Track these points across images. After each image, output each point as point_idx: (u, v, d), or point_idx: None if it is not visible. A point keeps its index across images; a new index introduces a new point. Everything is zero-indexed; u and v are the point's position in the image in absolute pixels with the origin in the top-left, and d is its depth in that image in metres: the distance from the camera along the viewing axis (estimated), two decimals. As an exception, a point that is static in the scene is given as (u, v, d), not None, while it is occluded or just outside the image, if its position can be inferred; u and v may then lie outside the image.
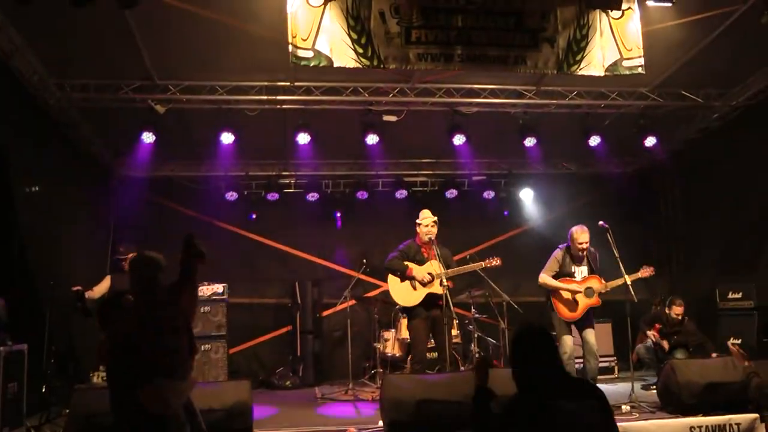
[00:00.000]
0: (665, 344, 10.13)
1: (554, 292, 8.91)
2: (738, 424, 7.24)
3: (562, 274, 8.92)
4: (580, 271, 8.95)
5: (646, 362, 10.25)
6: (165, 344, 4.65)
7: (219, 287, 11.06)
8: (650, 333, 10.22)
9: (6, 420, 6.92)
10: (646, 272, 8.93)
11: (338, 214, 13.56)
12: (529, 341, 3.97)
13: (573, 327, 8.92)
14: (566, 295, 8.83)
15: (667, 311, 10.27)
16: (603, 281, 8.83)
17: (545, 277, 8.95)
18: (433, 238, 8.75)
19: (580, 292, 8.77)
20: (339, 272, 13.40)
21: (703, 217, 12.25)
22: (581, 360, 9.02)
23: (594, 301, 8.78)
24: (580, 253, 8.90)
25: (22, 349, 7.50)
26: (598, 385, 8.94)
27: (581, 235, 8.83)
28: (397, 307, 10.71)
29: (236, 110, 10.09)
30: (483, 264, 9.10)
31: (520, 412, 3.71)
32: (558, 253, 9.04)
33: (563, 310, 8.85)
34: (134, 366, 4.52)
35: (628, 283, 8.52)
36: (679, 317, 10.18)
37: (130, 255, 9.23)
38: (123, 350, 4.58)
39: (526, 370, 3.91)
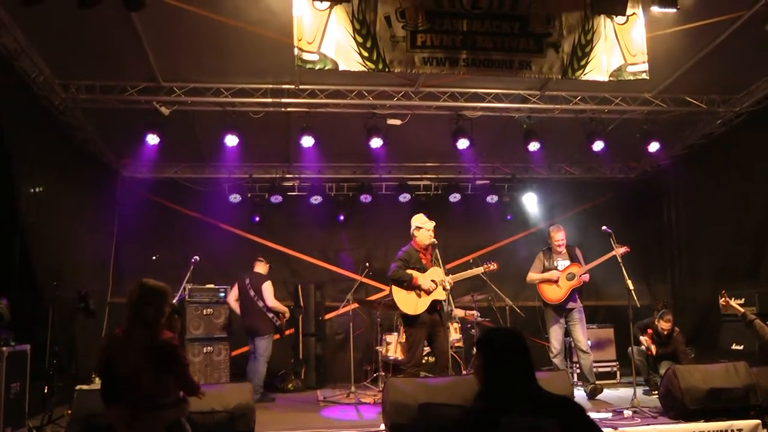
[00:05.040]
0: (653, 349, 10.35)
1: (540, 282, 9.96)
2: (740, 430, 7.25)
3: (547, 269, 9.97)
4: (563, 265, 9.96)
5: (637, 365, 10.30)
6: (139, 375, 4.76)
7: (221, 289, 11.06)
8: (643, 338, 10.40)
9: (8, 420, 6.92)
10: (620, 250, 9.28)
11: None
12: (500, 345, 3.55)
13: (564, 325, 9.93)
14: (549, 281, 9.85)
15: (656, 323, 10.43)
16: (581, 266, 9.74)
17: (531, 274, 10.14)
18: (435, 241, 8.82)
19: (561, 276, 9.78)
20: (342, 275, 13.40)
21: (706, 223, 12.23)
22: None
23: (576, 282, 9.72)
24: (558, 249, 10.01)
25: (25, 349, 7.51)
26: (604, 388, 9.19)
27: (557, 233, 10.03)
28: (400, 311, 10.75)
29: (241, 113, 10.11)
30: (481, 269, 9.30)
31: (471, 423, 3.38)
32: (540, 254, 10.23)
33: (549, 294, 9.89)
34: (111, 384, 4.82)
35: (631, 288, 8.64)
36: (666, 332, 10.32)
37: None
38: (107, 366, 4.83)
39: (490, 377, 3.48)
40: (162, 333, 4.95)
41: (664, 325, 10.28)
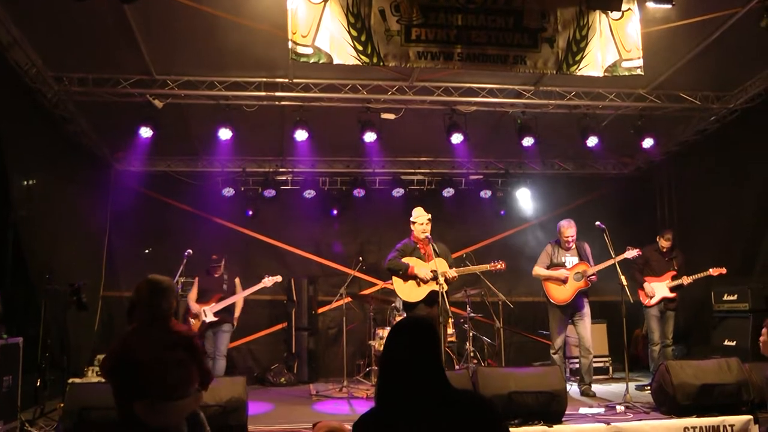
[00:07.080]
0: (683, 280, 10.20)
1: (546, 279, 9.75)
2: (732, 426, 7.29)
3: (554, 264, 9.81)
4: (570, 261, 9.79)
5: (651, 354, 10.33)
6: (164, 367, 4.74)
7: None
8: (667, 285, 10.23)
9: (0, 413, 6.91)
10: (631, 252, 9.47)
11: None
12: (400, 338, 3.06)
13: (567, 321, 9.75)
14: (557, 280, 9.62)
15: (658, 241, 10.46)
16: (590, 265, 9.56)
17: (537, 269, 9.89)
18: (428, 236, 8.78)
19: (569, 276, 9.59)
20: (335, 269, 13.38)
21: (699, 219, 12.25)
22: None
23: (583, 284, 9.55)
24: (567, 245, 9.81)
25: (17, 342, 7.48)
26: (595, 386, 9.13)
27: (568, 229, 9.79)
28: (393, 305, 10.74)
29: (234, 106, 10.09)
30: (488, 267, 9.17)
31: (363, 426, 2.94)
32: (548, 247, 10.02)
33: (556, 294, 9.68)
34: (132, 381, 4.67)
35: (624, 284, 8.67)
36: (666, 248, 10.39)
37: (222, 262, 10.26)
38: (125, 364, 4.71)
39: (386, 376, 3.04)
40: (177, 325, 4.99)
41: (664, 243, 10.35)
